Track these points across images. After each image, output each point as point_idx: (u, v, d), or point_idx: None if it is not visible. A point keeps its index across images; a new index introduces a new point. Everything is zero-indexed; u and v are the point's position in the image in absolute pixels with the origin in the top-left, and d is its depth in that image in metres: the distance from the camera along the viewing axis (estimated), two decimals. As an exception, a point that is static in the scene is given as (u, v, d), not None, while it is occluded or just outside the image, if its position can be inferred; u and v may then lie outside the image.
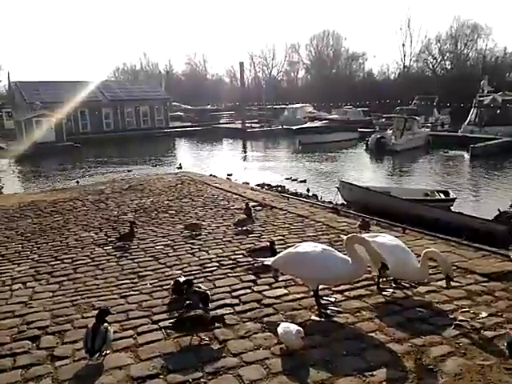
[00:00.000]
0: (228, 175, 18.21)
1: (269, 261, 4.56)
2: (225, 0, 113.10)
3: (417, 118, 31.02)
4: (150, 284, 5.15)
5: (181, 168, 20.43)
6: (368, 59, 75.61)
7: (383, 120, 32.96)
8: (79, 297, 4.90)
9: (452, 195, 13.24)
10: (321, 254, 3.99)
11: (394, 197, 12.21)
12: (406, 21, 67.32)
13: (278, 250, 5.90)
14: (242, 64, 45.28)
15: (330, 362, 3.30)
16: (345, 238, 4.10)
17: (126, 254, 6.33)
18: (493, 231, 9.92)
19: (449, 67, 60.52)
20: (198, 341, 3.72)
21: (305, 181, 18.51)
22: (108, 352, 3.57)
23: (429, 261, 4.29)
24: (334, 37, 70.19)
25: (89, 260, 6.18)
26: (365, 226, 7.04)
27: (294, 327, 3.46)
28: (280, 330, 3.54)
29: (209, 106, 54.77)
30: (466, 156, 25.34)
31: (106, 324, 3.58)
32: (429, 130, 32.37)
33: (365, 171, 22.57)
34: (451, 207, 12.57)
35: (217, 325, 3.83)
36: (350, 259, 3.90)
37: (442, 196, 13.23)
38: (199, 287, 4.54)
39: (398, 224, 7.59)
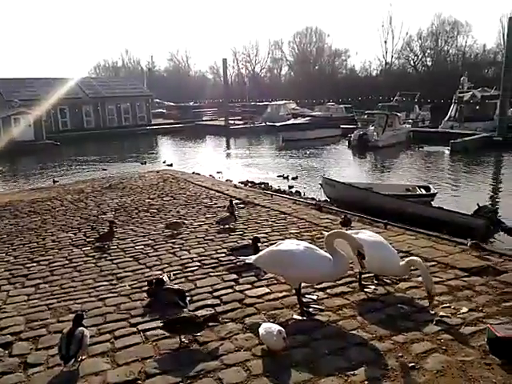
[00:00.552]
0: (218, 172, 18.35)
1: (251, 259, 4.49)
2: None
3: (398, 114, 31.27)
4: (129, 286, 5.04)
5: (171, 165, 20.35)
6: (350, 56, 76.15)
7: (365, 116, 33.10)
8: (55, 300, 4.76)
9: (433, 190, 13.37)
10: (303, 252, 3.94)
11: (376, 192, 12.27)
12: (387, 18, 67.91)
13: (260, 248, 5.87)
14: (225, 60, 44.97)
15: (311, 362, 3.25)
16: (325, 235, 4.06)
17: (105, 255, 6.19)
18: (472, 225, 10.07)
19: (429, 64, 61.31)
20: (177, 343, 3.63)
21: (296, 177, 18.49)
22: (84, 357, 3.46)
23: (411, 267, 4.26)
24: (317, 34, 70.42)
25: (66, 261, 6.03)
26: (346, 223, 7.03)
27: (275, 328, 3.40)
28: (261, 330, 3.47)
29: (192, 103, 54.28)
30: (447, 151, 25.66)
31: (81, 328, 3.46)
32: (410, 126, 32.66)
33: (348, 167, 22.67)
34: (432, 202, 12.70)
35: (212, 324, 3.76)
36: (330, 256, 3.85)
37: (423, 191, 13.35)
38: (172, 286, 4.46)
39: (379, 220, 7.61)
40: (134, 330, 3.95)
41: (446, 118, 32.66)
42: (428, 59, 61.91)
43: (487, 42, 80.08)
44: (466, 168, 21.58)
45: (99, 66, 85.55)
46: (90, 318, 4.19)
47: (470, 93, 32.67)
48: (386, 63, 64.23)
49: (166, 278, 4.72)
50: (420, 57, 62.40)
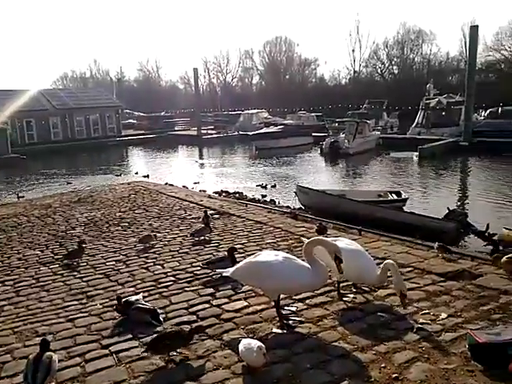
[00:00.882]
0: (195, 183, 18.31)
1: (228, 272, 4.36)
2: (176, 6, 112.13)
3: (368, 121, 31.88)
4: (100, 304, 4.82)
5: (147, 177, 20.03)
6: (320, 65, 77.34)
7: (336, 124, 33.59)
8: (21, 323, 4.50)
9: (404, 195, 13.59)
10: (281, 263, 3.84)
11: (349, 199, 12.37)
12: (355, 27, 69.39)
13: (238, 260, 5.75)
14: (196, 70, 44.94)
15: (293, 378, 3.15)
16: (304, 244, 3.98)
17: (74, 273, 5.93)
18: (444, 229, 10.26)
19: (396, 72, 62.83)
20: (152, 364, 3.46)
21: (275, 185, 18.43)
22: None
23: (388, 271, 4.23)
24: (287, 43, 71.23)
25: (33, 281, 5.74)
26: (322, 230, 6.99)
27: (255, 343, 3.28)
28: (241, 347, 3.35)
29: (163, 113, 53.77)
30: (415, 157, 26.27)
31: (49, 353, 3.25)
32: (379, 133, 33.31)
33: (321, 174, 22.85)
34: (404, 207, 12.89)
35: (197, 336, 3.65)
36: (309, 266, 3.78)
37: (395, 196, 13.54)
38: (144, 305, 4.28)
39: (354, 226, 7.63)
40: (106, 351, 3.76)
41: (414, 125, 33.49)
42: (395, 67, 63.49)
43: (450, 50, 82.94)
44: (434, 173, 22.12)
45: (66, 77, 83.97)
46: (59, 341, 3.97)
47: (436, 99, 33.61)
48: (355, 72, 65.53)
49: (140, 296, 4.53)
50: (387, 65, 63.93)
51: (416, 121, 33.70)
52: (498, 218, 12.57)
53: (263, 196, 15.94)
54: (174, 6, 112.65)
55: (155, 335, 3.64)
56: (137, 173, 22.40)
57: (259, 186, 18.57)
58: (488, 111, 33.11)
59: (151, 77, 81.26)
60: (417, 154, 25.99)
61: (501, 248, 7.05)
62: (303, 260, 3.93)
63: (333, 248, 3.80)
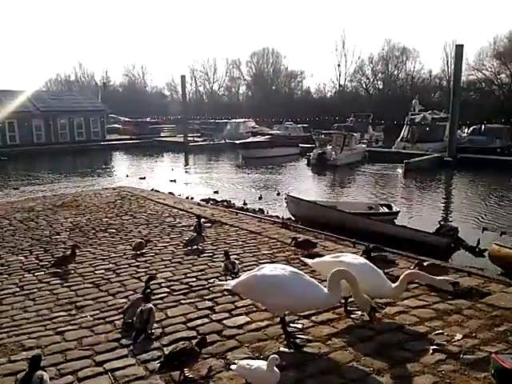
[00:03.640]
0: (171, 181, 18.03)
1: (229, 285, 4.12)
2: (164, 13, 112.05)
3: (354, 134, 32.14)
4: (91, 316, 4.51)
5: (143, 178, 19.68)
6: (306, 78, 77.99)
7: (323, 136, 33.77)
8: (5, 335, 4.16)
9: (395, 208, 13.54)
10: (291, 279, 3.61)
11: (341, 211, 12.24)
12: (340, 42, 70.20)
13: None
14: (183, 77, 44.62)
15: (308, 403, 2.92)
16: (313, 261, 3.77)
17: (61, 281, 5.58)
18: (436, 244, 10.20)
19: (381, 87, 63.84)
20: (152, 385, 3.19)
21: (279, 193, 18.09)
22: None
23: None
24: (274, 55, 71.72)
25: (17, 289, 5.38)
26: (303, 245, 6.66)
27: (260, 363, 3.02)
28: (244, 368, 3.06)
29: (148, 119, 53.24)
30: (400, 171, 26.51)
31: (40, 372, 2.96)
32: (365, 146, 33.63)
33: (308, 185, 22.79)
34: (395, 220, 12.84)
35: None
36: (326, 289, 3.55)
37: (386, 209, 13.48)
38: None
39: (347, 238, 7.48)
40: (101, 369, 3.47)
41: (399, 139, 33.93)
42: (379, 82, 64.52)
43: (433, 68, 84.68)
44: (420, 186, 22.31)
45: (51, 80, 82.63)
46: (48, 356, 3.66)
47: (421, 115, 34.16)
48: (340, 85, 66.33)
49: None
50: (372, 80, 64.93)
51: (401, 135, 34.16)
52: (486, 232, 12.66)
53: (244, 204, 15.81)
54: (161, 12, 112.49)
55: (167, 353, 3.37)
56: (127, 175, 22.05)
57: (260, 198, 18.00)
58: (471, 128, 33.79)
59: (137, 82, 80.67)
60: (402, 167, 26.25)
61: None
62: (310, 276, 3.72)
63: (367, 302, 3.60)
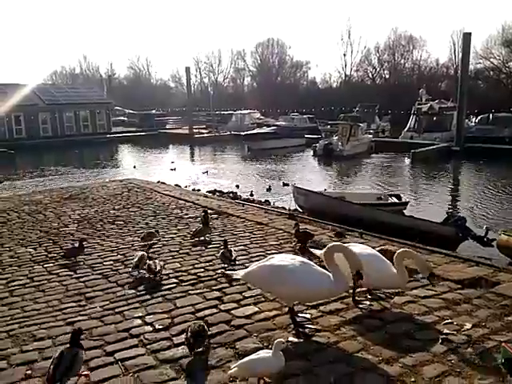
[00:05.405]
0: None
1: (238, 274, 4.13)
2: (168, 4, 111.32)
3: (360, 124, 31.94)
4: (100, 307, 4.54)
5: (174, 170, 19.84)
6: (311, 68, 77.45)
7: (329, 127, 33.61)
8: (17, 325, 4.20)
9: (404, 199, 13.49)
10: (300, 269, 3.62)
11: (349, 201, 12.21)
12: (346, 32, 69.48)
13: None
14: (188, 69, 44.57)
15: (317, 392, 2.94)
16: (322, 251, 3.78)
17: (71, 273, 5.63)
18: (444, 233, 10.16)
19: (387, 76, 63.22)
20: (162, 374, 3.21)
21: (287, 184, 18.00)
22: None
23: (404, 262, 4.06)
24: (279, 45, 71.21)
25: (27, 280, 5.43)
26: (304, 237, 6.61)
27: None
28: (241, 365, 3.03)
29: (154, 111, 53.24)
30: (407, 161, 26.34)
31: (76, 349, 3.08)
32: (371, 136, 33.41)
33: (315, 176, 22.75)
34: (404, 211, 12.78)
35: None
36: (330, 274, 3.56)
37: (395, 200, 13.42)
38: None
39: (354, 229, 7.45)
40: (111, 359, 3.50)
41: (406, 129, 33.67)
42: (386, 72, 63.87)
43: (440, 57, 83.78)
44: (428, 177, 22.18)
45: (56, 73, 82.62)
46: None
47: (429, 105, 33.83)
48: (346, 75, 65.78)
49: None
50: (378, 69, 64.29)
51: (408, 125, 33.89)
52: (494, 223, 12.59)
53: (251, 195, 15.83)
54: (165, 4, 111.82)
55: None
56: (134, 167, 22.22)
57: (268, 190, 18.00)
58: (479, 118, 33.43)
59: (142, 74, 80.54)
60: (409, 157, 26.09)
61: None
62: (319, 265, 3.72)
63: (356, 264, 3.60)
